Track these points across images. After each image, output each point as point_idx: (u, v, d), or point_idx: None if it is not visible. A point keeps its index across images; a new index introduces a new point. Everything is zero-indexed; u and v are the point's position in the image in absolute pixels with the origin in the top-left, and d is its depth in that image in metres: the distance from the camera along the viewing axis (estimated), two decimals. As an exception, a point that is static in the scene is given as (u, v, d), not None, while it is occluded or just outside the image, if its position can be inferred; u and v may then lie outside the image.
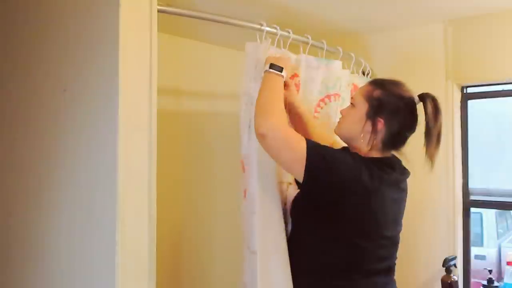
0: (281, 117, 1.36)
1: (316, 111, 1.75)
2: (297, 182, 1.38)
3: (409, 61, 2.27)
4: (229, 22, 1.53)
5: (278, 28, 1.62)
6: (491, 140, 2.61)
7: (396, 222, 1.43)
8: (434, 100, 1.37)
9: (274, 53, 1.56)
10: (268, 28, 1.57)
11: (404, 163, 1.45)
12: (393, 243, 1.43)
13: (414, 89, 1.42)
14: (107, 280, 1.24)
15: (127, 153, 1.25)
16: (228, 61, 2.41)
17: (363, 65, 2.15)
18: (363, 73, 2.19)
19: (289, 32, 1.66)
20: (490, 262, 3.70)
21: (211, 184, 2.38)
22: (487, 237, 3.95)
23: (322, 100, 1.76)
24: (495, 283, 2.11)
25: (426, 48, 2.25)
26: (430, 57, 2.22)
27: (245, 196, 1.51)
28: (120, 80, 1.24)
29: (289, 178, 1.57)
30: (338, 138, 1.52)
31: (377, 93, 1.39)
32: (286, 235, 1.47)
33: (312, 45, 1.75)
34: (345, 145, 1.50)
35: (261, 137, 1.32)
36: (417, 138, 1.40)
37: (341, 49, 1.90)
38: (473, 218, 2.34)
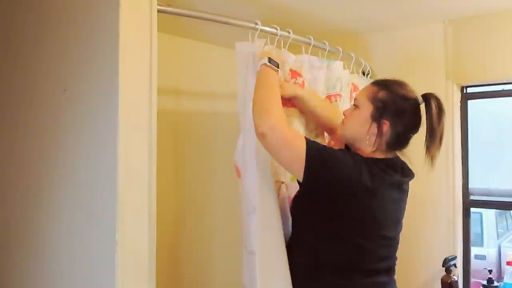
0: (280, 116, 1.35)
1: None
2: (298, 181, 1.38)
3: (409, 61, 2.27)
4: (229, 22, 1.53)
5: (278, 28, 1.62)
6: (491, 140, 2.61)
7: (396, 222, 1.43)
8: (438, 101, 1.37)
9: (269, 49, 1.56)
10: (263, 27, 1.56)
11: (407, 164, 1.45)
12: (393, 243, 1.43)
13: (414, 89, 1.42)
14: (107, 280, 1.24)
15: (127, 153, 1.25)
16: (228, 61, 2.39)
17: (363, 65, 2.15)
18: (363, 73, 2.19)
19: (289, 32, 1.65)
20: (490, 262, 3.71)
21: (211, 184, 2.38)
22: (487, 237, 3.95)
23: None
24: (495, 283, 2.11)
25: (426, 48, 2.25)
26: (430, 57, 2.22)
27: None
28: (120, 80, 1.24)
29: (284, 177, 1.57)
30: None
31: (382, 94, 1.38)
32: (285, 234, 1.47)
33: (313, 45, 1.75)
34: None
35: (261, 136, 1.33)
36: (417, 138, 1.40)
37: (341, 49, 1.90)
38: (473, 218, 2.34)
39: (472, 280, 2.27)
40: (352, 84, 1.95)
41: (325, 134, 1.74)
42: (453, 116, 2.17)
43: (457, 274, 2.10)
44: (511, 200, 2.26)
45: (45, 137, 1.47)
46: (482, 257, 3.77)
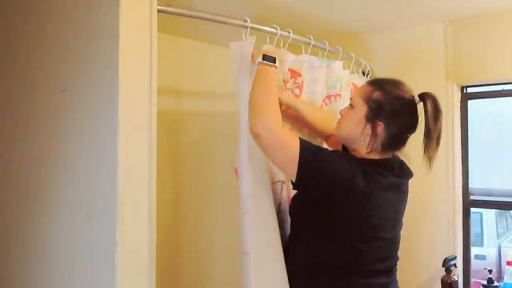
0: (275, 116, 1.34)
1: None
2: (291, 181, 1.38)
3: (409, 61, 2.27)
4: (228, 22, 1.53)
5: (278, 28, 1.62)
6: (491, 140, 2.61)
7: (395, 223, 1.42)
8: (434, 100, 1.35)
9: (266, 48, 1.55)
10: (257, 26, 1.56)
11: (406, 163, 1.45)
12: (392, 243, 1.42)
13: (414, 89, 1.40)
14: (107, 280, 1.24)
15: (127, 153, 1.25)
16: (228, 61, 2.40)
17: (363, 65, 2.15)
18: (363, 73, 2.19)
19: (289, 32, 1.65)
20: (490, 262, 3.71)
21: (211, 184, 2.38)
22: (487, 237, 3.96)
23: (323, 100, 1.76)
24: (495, 283, 2.11)
25: (426, 48, 2.24)
26: (430, 57, 2.22)
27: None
28: (120, 80, 1.24)
29: (283, 177, 1.57)
30: None
31: (376, 95, 1.36)
32: (282, 236, 1.47)
33: (313, 45, 1.75)
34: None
35: (255, 136, 1.32)
36: (416, 138, 1.39)
37: (341, 49, 1.90)
38: (473, 218, 2.34)
39: (472, 280, 2.27)
40: (352, 84, 1.95)
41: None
42: (453, 116, 2.17)
43: (457, 274, 2.10)
44: (511, 200, 2.26)
45: (45, 137, 1.47)
46: (482, 257, 3.77)
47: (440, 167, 2.15)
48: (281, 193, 1.57)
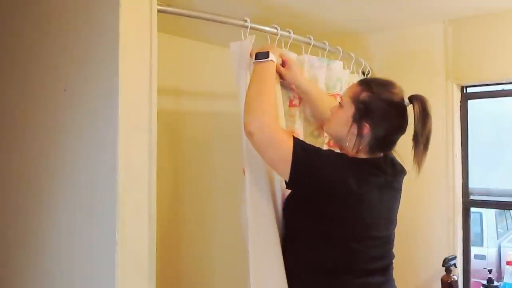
0: (269, 115, 1.34)
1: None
2: (285, 181, 1.38)
3: (409, 61, 2.27)
4: (228, 22, 1.53)
5: (278, 28, 1.62)
6: (491, 140, 2.61)
7: (388, 221, 1.41)
8: (422, 103, 1.32)
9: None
10: (257, 26, 1.56)
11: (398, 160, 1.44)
12: (387, 242, 1.42)
13: (414, 89, 1.38)
14: (107, 280, 1.24)
15: (127, 153, 1.25)
16: (228, 61, 2.41)
17: (363, 65, 2.15)
18: (363, 73, 2.19)
19: (289, 32, 1.65)
20: (490, 261, 3.72)
21: (211, 184, 2.38)
22: (487, 237, 3.96)
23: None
24: (495, 283, 2.11)
25: (426, 48, 2.24)
26: (430, 57, 2.22)
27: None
28: (120, 80, 1.24)
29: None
30: None
31: (364, 96, 1.35)
32: (280, 235, 1.47)
33: (313, 45, 1.75)
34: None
35: (248, 134, 1.32)
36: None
37: (341, 49, 1.90)
38: (473, 218, 2.35)
39: (472, 280, 2.27)
40: (353, 84, 1.95)
41: (325, 134, 1.74)
42: (453, 116, 2.17)
43: (457, 274, 2.10)
44: (511, 200, 2.26)
45: (45, 137, 1.47)
46: (482, 257, 3.78)
47: (440, 167, 2.16)
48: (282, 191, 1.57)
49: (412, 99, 1.34)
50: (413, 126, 1.32)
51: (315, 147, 1.40)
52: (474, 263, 2.35)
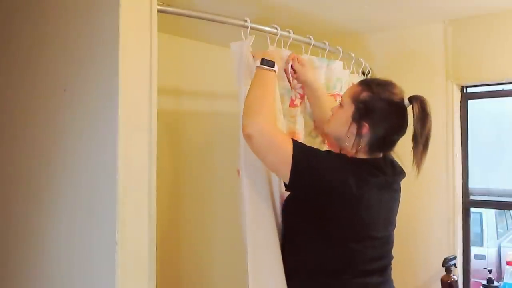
0: (269, 118, 1.33)
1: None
2: (284, 183, 1.38)
3: (409, 61, 2.27)
4: (228, 22, 1.53)
5: (278, 28, 1.62)
6: (491, 140, 2.61)
7: (387, 222, 1.41)
8: (422, 103, 1.32)
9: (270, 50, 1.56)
10: (257, 26, 1.56)
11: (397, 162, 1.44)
12: (385, 242, 1.42)
13: (413, 89, 1.38)
14: (107, 280, 1.24)
15: (127, 153, 1.25)
16: (228, 61, 2.41)
17: (363, 65, 2.15)
18: (363, 73, 2.19)
19: (289, 32, 1.66)
20: (490, 262, 3.72)
21: (211, 184, 2.38)
22: (487, 237, 3.96)
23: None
24: (495, 283, 2.11)
25: (426, 48, 2.25)
26: (430, 57, 2.22)
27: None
28: (120, 80, 1.24)
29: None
30: None
31: (364, 95, 1.35)
32: (280, 235, 1.47)
33: (313, 45, 1.75)
34: None
35: (247, 137, 1.31)
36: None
37: (341, 49, 1.90)
38: (473, 218, 2.35)
39: (472, 280, 2.28)
40: (352, 84, 1.95)
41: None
42: (453, 116, 2.17)
43: (457, 274, 2.10)
44: (511, 200, 2.26)
45: (45, 137, 1.47)
46: (482, 257, 3.78)
47: (440, 167, 2.16)
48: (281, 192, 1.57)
49: (411, 99, 1.34)
50: (413, 127, 1.33)
51: (314, 148, 1.40)
52: (474, 263, 2.35)
